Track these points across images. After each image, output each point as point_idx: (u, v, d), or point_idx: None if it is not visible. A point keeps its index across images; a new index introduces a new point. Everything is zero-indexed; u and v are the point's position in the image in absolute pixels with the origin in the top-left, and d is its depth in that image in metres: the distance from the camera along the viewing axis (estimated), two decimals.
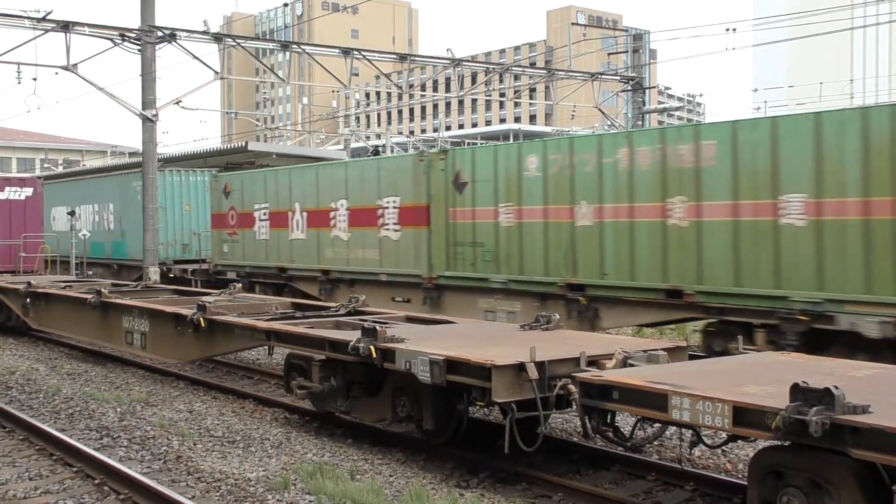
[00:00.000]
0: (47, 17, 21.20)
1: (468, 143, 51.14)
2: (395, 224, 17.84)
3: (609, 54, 60.55)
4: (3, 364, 15.56)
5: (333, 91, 51.23)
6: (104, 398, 12.11)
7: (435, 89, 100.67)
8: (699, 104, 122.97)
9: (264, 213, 21.40)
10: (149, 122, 22.33)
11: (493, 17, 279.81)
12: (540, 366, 7.39)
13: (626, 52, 39.90)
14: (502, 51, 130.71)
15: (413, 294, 17.35)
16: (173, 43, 22.37)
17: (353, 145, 49.35)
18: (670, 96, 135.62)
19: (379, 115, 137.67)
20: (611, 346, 8.06)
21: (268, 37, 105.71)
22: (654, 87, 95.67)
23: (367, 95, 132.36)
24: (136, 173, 24.84)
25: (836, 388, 5.29)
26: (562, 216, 14.75)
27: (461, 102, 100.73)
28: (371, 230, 18.32)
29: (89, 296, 14.36)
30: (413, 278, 17.25)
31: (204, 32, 23.28)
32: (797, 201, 11.78)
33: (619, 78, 34.78)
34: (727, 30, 29.82)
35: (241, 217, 22.18)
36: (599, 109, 32.22)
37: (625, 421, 8.39)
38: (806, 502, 5.59)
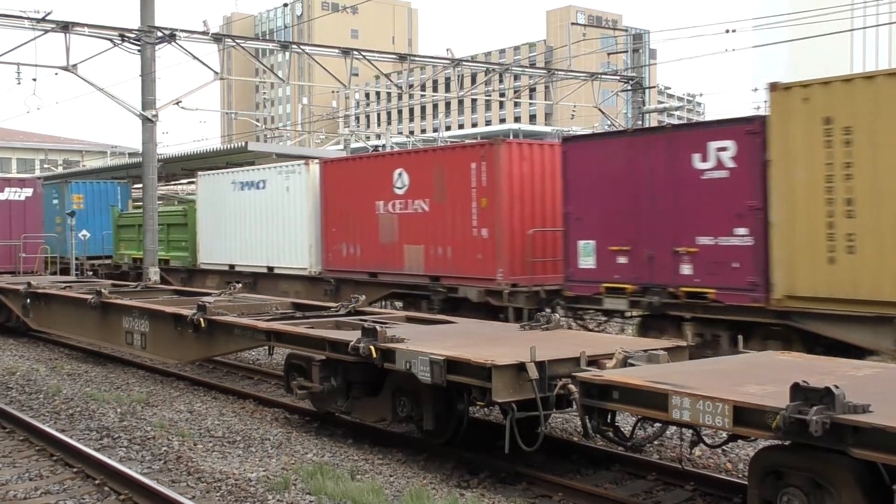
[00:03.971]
0: (47, 18, 21.21)
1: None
2: None
3: (609, 54, 60.56)
4: (3, 365, 15.56)
5: (333, 91, 51.17)
6: (104, 399, 12.12)
7: (435, 89, 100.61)
8: (699, 104, 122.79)
9: None
10: (148, 123, 22.33)
11: (492, 17, 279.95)
12: (540, 365, 7.39)
13: (626, 52, 39.83)
14: (502, 51, 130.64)
15: None
16: (173, 43, 22.38)
17: (353, 145, 49.36)
18: (670, 96, 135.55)
19: (379, 115, 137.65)
20: (611, 346, 8.06)
21: (267, 37, 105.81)
22: (654, 87, 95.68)
23: (367, 95, 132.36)
24: None
25: (837, 387, 5.29)
26: None
27: (461, 102, 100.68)
28: None
29: (89, 296, 14.35)
30: None
31: (203, 33, 23.26)
32: None
33: (618, 78, 34.75)
34: (727, 31, 29.78)
35: None
36: (599, 109, 32.22)
37: (625, 421, 8.39)
38: (806, 502, 5.58)
